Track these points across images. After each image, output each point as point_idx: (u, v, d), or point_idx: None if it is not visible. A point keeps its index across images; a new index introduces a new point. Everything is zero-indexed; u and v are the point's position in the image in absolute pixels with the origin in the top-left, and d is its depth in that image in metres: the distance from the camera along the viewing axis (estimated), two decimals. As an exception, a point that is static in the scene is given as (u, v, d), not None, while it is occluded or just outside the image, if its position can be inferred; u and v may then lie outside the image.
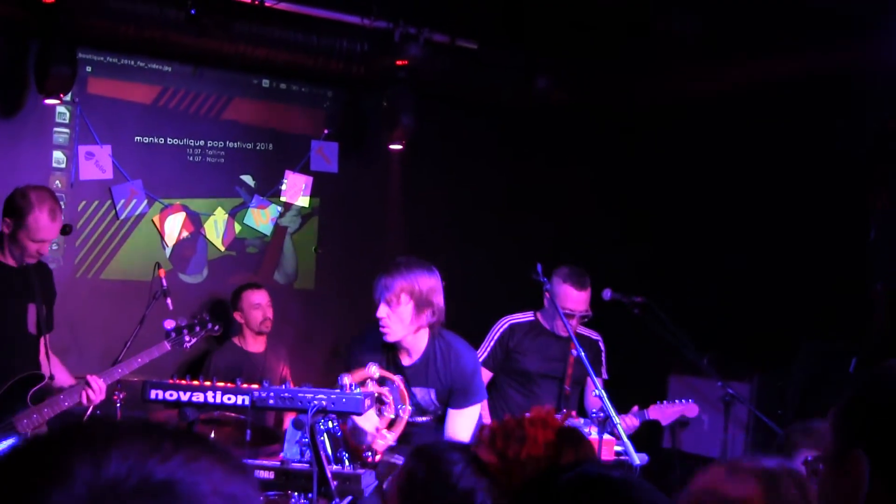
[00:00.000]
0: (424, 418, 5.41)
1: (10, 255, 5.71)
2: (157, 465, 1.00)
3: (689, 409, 6.77)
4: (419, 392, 5.28)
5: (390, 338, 5.20)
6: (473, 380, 5.34)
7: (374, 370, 5.01)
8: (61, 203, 7.30)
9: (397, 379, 5.14)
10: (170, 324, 6.00)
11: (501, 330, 6.80)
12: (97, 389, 5.65)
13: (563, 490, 1.75)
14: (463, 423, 5.29)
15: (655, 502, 1.72)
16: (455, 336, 5.42)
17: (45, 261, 7.21)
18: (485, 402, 6.57)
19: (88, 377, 5.67)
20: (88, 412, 5.98)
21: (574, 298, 6.47)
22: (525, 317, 6.85)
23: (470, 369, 5.34)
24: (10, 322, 5.75)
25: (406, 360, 5.32)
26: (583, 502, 1.72)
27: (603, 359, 6.93)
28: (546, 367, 6.79)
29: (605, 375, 6.90)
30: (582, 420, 6.02)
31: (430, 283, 5.22)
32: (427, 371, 5.28)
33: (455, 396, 5.28)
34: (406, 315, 5.13)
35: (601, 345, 6.93)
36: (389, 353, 5.33)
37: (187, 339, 6.09)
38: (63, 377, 5.93)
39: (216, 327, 6.30)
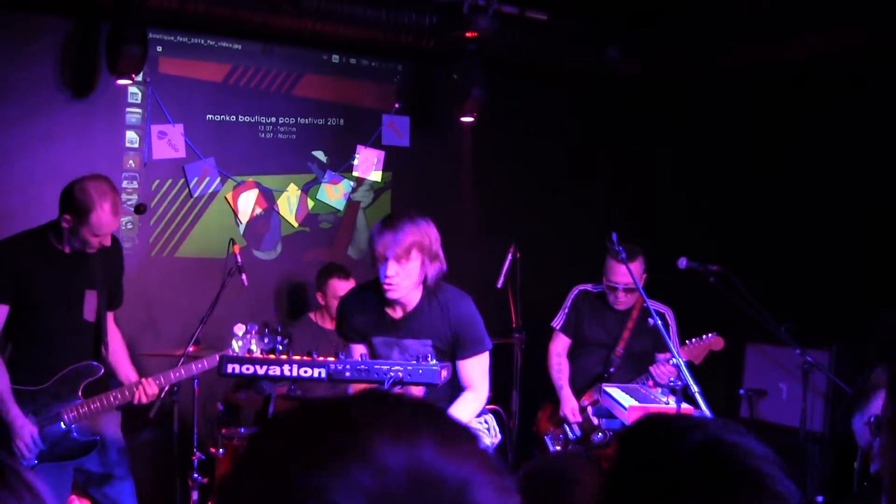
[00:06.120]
0: None
1: (67, 245, 5.53)
2: (446, 462, 0.96)
3: (715, 342, 6.85)
4: (413, 344, 5.13)
5: (395, 295, 5.02)
6: (477, 327, 5.17)
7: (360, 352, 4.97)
8: (135, 182, 7.40)
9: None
10: (240, 328, 5.84)
11: (573, 295, 7.23)
12: (150, 394, 5.59)
13: (692, 454, 1.60)
14: (476, 372, 5.18)
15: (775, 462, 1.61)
16: (450, 286, 5.24)
17: (121, 241, 7.32)
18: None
19: (143, 380, 5.60)
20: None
21: (612, 269, 6.88)
22: (597, 287, 7.19)
23: (470, 316, 5.17)
24: (62, 309, 5.58)
25: (397, 314, 5.17)
26: (711, 468, 1.58)
27: (673, 332, 6.91)
28: (601, 336, 7.12)
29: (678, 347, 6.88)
30: (659, 389, 5.97)
31: (435, 235, 5.07)
32: (421, 323, 5.13)
33: (461, 347, 5.12)
34: (414, 271, 4.98)
35: (669, 318, 6.94)
36: (378, 310, 5.19)
37: (254, 347, 5.92)
38: (127, 371, 5.83)
39: (285, 341, 6.15)
